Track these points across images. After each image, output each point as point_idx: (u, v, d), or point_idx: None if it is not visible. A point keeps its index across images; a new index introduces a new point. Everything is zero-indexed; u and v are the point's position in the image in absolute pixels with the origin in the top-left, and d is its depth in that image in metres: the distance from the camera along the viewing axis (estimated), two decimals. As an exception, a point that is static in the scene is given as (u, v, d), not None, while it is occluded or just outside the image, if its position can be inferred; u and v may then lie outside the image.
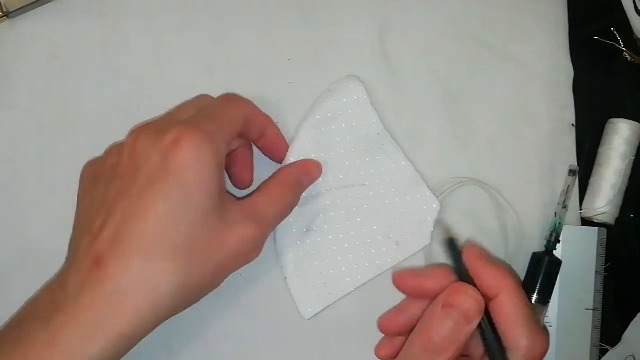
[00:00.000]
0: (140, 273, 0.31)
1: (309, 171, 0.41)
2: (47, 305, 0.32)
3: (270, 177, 0.40)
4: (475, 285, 0.34)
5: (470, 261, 0.35)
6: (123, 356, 0.32)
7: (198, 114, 0.36)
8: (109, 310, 0.31)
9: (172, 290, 0.32)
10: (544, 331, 0.34)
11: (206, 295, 0.35)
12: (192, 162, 0.32)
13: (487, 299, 0.34)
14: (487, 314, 0.34)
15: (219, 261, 0.33)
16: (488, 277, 0.34)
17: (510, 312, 0.33)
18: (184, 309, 0.34)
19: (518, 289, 0.34)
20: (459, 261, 0.35)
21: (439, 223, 0.42)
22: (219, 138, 0.34)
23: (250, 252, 0.35)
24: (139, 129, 0.34)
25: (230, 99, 0.40)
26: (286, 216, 0.39)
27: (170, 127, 0.33)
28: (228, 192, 0.38)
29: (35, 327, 0.31)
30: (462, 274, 0.35)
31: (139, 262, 0.31)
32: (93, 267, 0.31)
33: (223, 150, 0.34)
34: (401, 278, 0.37)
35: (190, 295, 0.33)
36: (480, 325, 0.33)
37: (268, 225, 0.36)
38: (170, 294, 0.32)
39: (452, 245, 0.36)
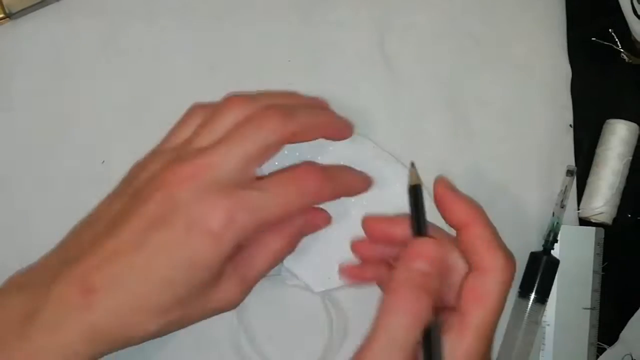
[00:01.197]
0: (122, 325, 0.31)
1: (315, 221, 0.38)
2: (22, 310, 0.32)
3: (273, 230, 0.36)
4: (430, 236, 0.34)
5: (441, 193, 0.35)
6: None
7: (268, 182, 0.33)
8: (83, 339, 0.31)
9: (143, 339, 0.32)
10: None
11: None
12: (213, 233, 0.31)
13: (457, 229, 0.34)
14: None
15: (195, 317, 0.34)
16: (460, 208, 0.34)
17: (485, 236, 0.34)
18: None
19: (488, 219, 0.35)
20: (421, 210, 0.35)
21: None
22: (253, 223, 0.32)
23: (226, 307, 0.35)
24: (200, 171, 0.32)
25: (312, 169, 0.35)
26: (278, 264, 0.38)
27: (225, 190, 0.32)
28: None
29: (10, 338, 0.31)
30: (421, 225, 0.35)
31: (125, 315, 0.31)
32: (77, 290, 0.31)
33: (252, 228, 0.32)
34: (371, 222, 0.37)
35: (160, 335, 0.33)
36: None
37: (251, 283, 0.36)
38: (141, 340, 0.32)
39: (416, 193, 0.35)
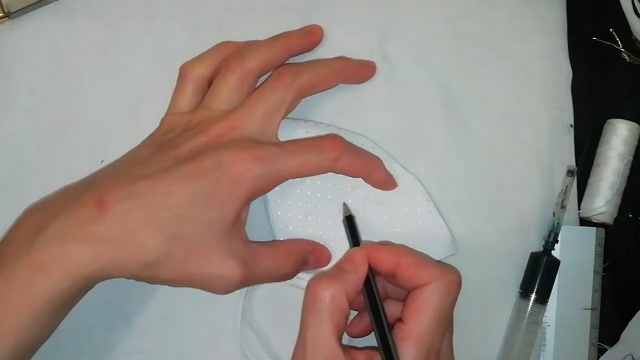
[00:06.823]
0: (127, 236, 0.32)
1: (318, 259, 0.41)
2: (33, 226, 0.33)
3: (286, 241, 0.41)
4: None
5: (368, 251, 0.37)
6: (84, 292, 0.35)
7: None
8: (87, 250, 0.32)
9: (140, 264, 0.33)
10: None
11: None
12: (232, 178, 0.34)
13: (394, 273, 0.36)
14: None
15: (190, 274, 0.34)
16: (384, 255, 0.37)
17: (414, 261, 0.36)
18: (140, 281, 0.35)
19: (412, 249, 0.38)
20: (357, 238, 0.39)
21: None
22: (270, 182, 0.36)
23: (218, 287, 0.35)
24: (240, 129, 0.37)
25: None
26: (274, 281, 0.39)
27: (247, 144, 0.36)
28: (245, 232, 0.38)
29: (19, 250, 0.32)
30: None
31: (133, 228, 0.33)
32: (91, 204, 0.33)
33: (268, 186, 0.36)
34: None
35: (150, 278, 0.34)
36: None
37: (251, 278, 0.36)
38: (138, 265, 0.33)
39: (351, 223, 0.39)
